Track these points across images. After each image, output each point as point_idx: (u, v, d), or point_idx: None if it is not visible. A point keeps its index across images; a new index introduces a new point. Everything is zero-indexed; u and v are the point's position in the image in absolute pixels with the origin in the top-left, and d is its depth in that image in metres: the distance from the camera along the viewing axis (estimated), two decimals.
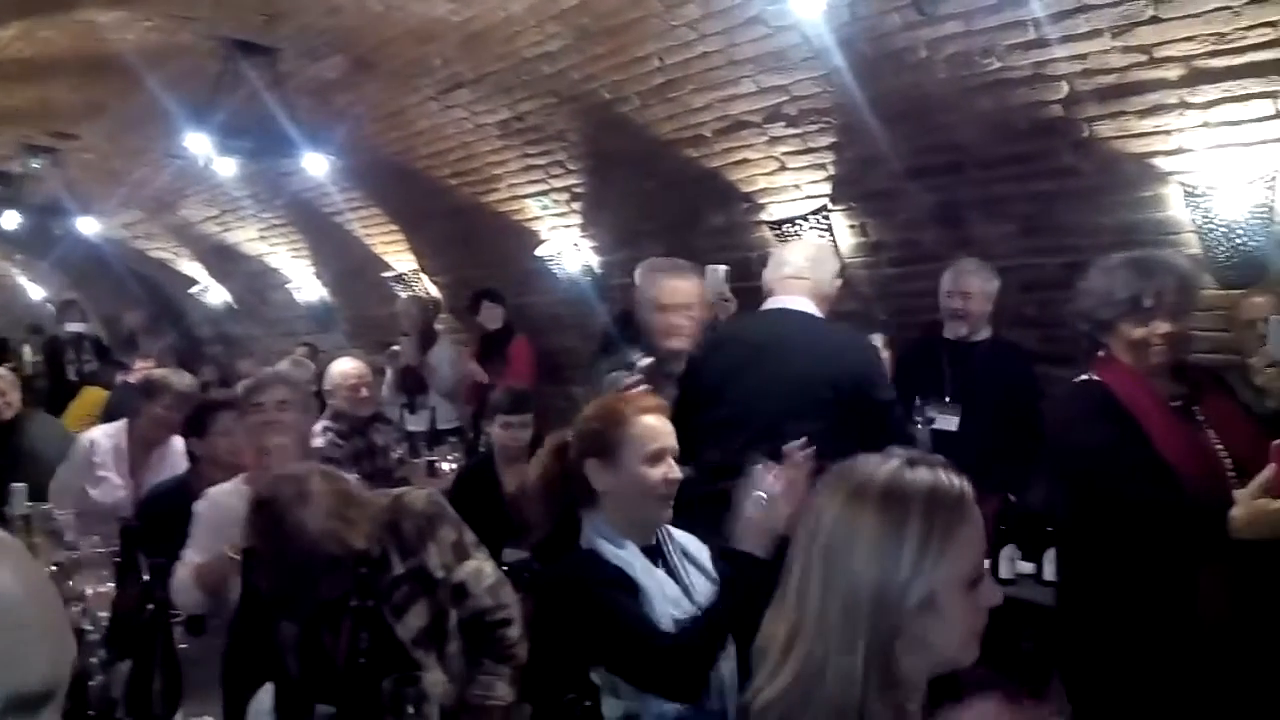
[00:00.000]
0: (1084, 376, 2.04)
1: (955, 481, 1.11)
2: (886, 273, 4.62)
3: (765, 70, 4.18)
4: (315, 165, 5.59)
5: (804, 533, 1.12)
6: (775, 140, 4.56)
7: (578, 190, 5.63)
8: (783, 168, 4.68)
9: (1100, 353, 2.00)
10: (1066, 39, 3.37)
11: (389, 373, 5.68)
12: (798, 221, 4.73)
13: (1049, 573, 2.91)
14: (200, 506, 2.54)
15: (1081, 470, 1.89)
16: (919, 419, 3.44)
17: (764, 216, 4.91)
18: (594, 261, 5.73)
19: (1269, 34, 3.05)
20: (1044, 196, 3.92)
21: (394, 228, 7.18)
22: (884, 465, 1.11)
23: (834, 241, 4.65)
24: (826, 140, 4.41)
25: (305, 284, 8.44)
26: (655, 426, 1.79)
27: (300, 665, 1.79)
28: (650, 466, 1.74)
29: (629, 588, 1.68)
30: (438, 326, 6.15)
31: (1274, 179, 3.32)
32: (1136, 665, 1.87)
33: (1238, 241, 3.42)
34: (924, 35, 3.66)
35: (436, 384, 5.59)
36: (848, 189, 4.54)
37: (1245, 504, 1.63)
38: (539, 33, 4.45)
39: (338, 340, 8.18)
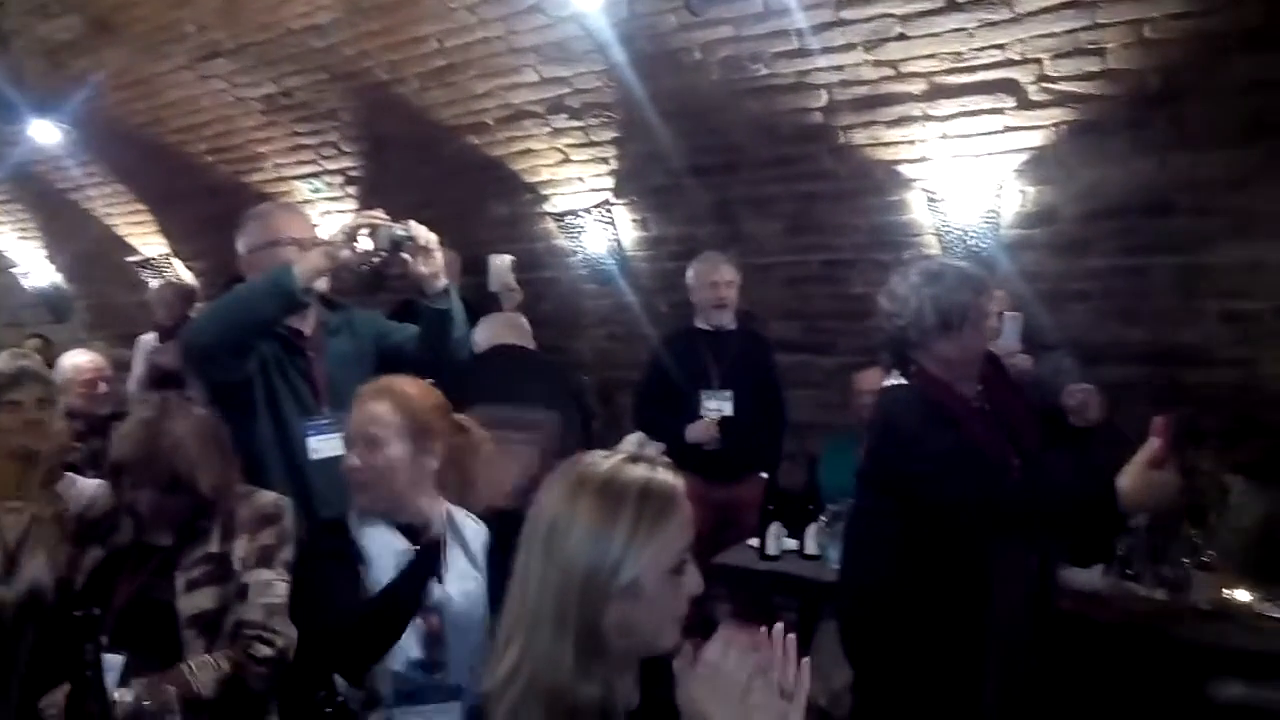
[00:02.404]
0: (897, 381, 2.12)
1: (668, 478, 1.20)
2: (667, 266, 4.74)
3: (547, 61, 4.16)
4: (45, 134, 4.97)
5: (530, 523, 1.19)
6: (558, 132, 4.55)
7: (353, 174, 5.37)
8: (566, 160, 4.68)
9: (911, 367, 2.08)
10: (825, 50, 3.59)
11: (136, 366, 5.16)
12: (581, 214, 4.75)
13: (810, 548, 3.10)
14: None
15: (925, 474, 1.95)
16: (704, 410, 3.58)
17: (548, 208, 4.90)
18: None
19: (998, 55, 3.39)
20: (806, 197, 4.16)
21: (141, 207, 6.53)
22: (606, 460, 1.20)
23: (616, 235, 4.72)
24: (609, 134, 4.46)
25: (35, 268, 7.50)
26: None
27: (87, 583, 1.87)
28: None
29: (347, 559, 1.68)
30: (193, 315, 5.66)
31: (1001, 188, 3.70)
32: (926, 644, 2.01)
33: (971, 243, 3.79)
34: (698, 37, 3.77)
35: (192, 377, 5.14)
36: (630, 184, 4.62)
37: (1133, 476, 1.72)
38: (306, 3, 4.19)
39: (74, 331, 7.34)
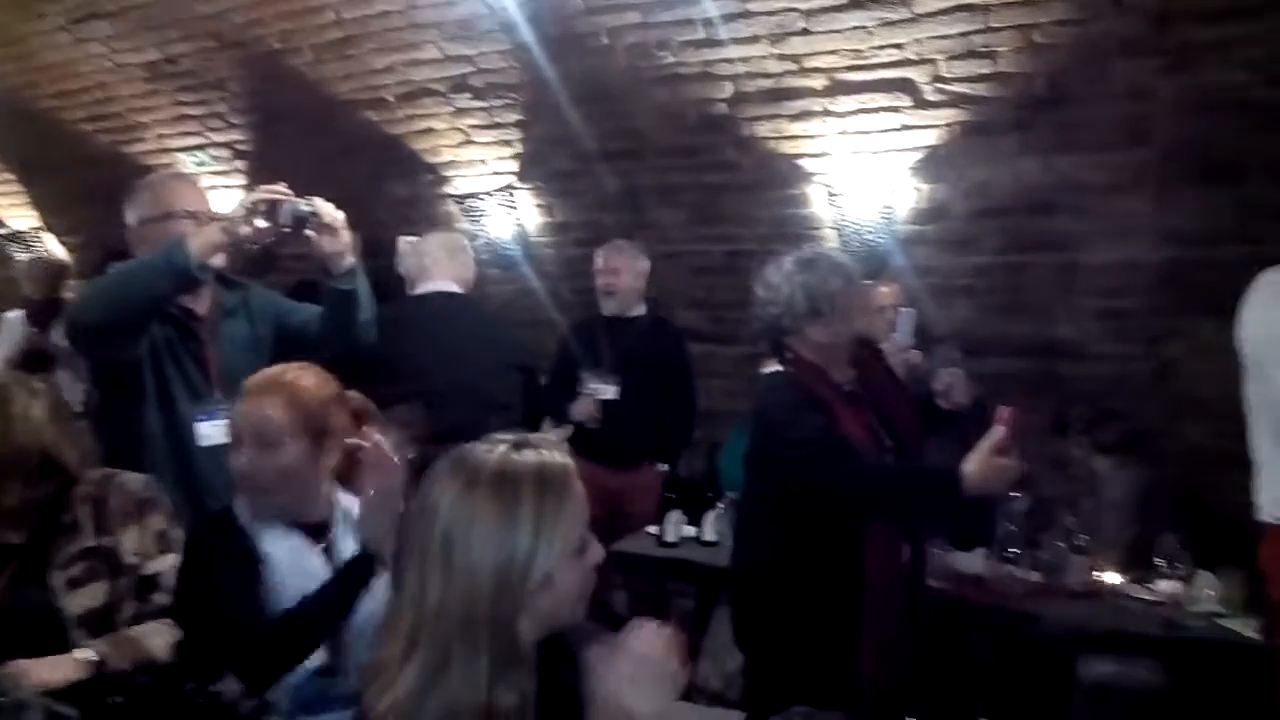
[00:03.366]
0: (774, 369, 2.19)
1: (559, 459, 1.15)
2: (571, 253, 4.71)
3: (450, 38, 4.08)
4: None
5: (420, 529, 1.12)
6: (461, 112, 4.47)
7: (242, 147, 5.15)
8: (469, 141, 4.60)
9: (787, 354, 2.16)
10: (731, 42, 3.62)
11: (2, 346, 4.84)
12: (483, 197, 4.68)
13: (708, 534, 3.15)
14: None
15: (792, 459, 2.03)
16: (583, 390, 3.57)
17: (450, 190, 4.81)
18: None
19: (896, 55, 3.49)
20: (711, 188, 4.20)
21: (9, 177, 6.12)
22: (493, 451, 1.14)
23: (520, 219, 4.67)
24: (514, 117, 4.40)
25: None
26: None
27: None
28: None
29: (242, 557, 1.58)
30: (66, 295, 5.33)
31: (897, 184, 3.81)
32: (808, 625, 2.08)
33: (867, 237, 3.90)
34: (605, 22, 3.76)
35: (63, 359, 4.85)
36: (535, 168, 4.57)
37: (977, 461, 1.83)
38: None
39: None
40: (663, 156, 4.22)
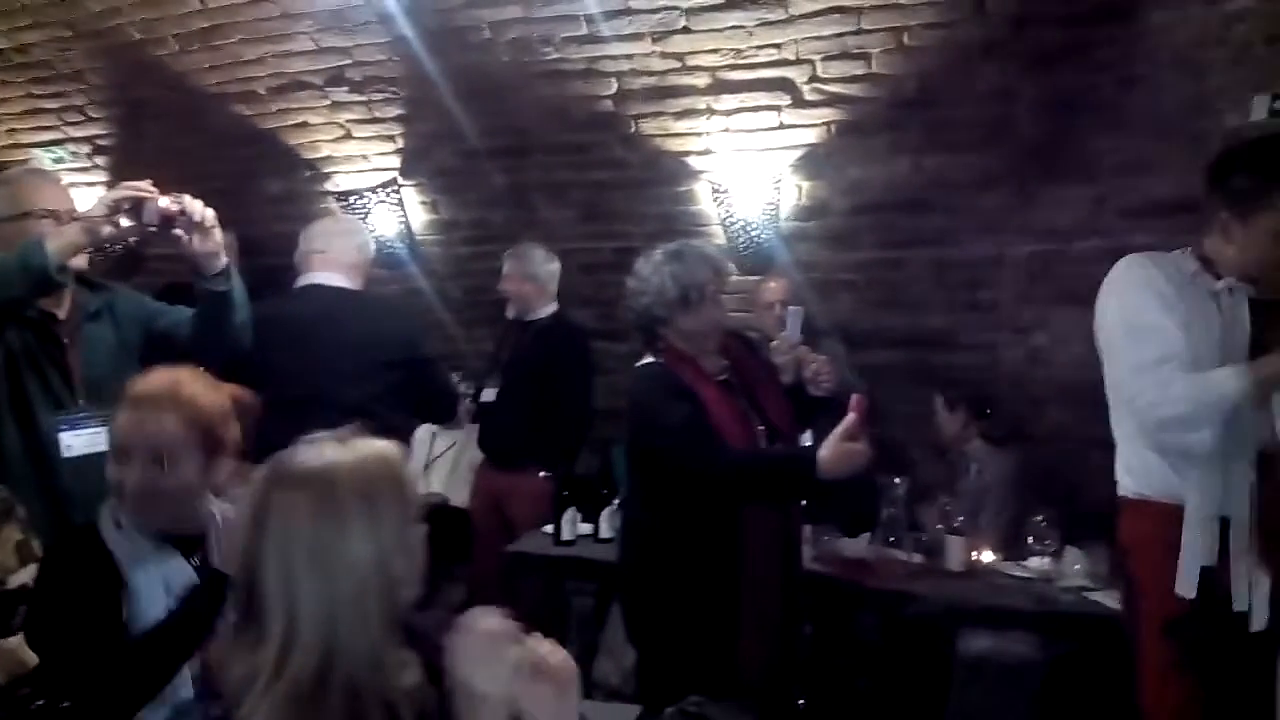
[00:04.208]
0: (648, 360, 2.22)
1: (384, 445, 1.18)
2: (459, 251, 4.64)
3: (324, 29, 3.94)
4: None
5: (271, 546, 1.10)
6: (339, 106, 4.33)
7: (102, 142, 4.85)
8: (348, 136, 4.46)
9: (659, 343, 2.21)
10: (615, 39, 3.63)
11: None
12: (366, 194, 4.55)
13: (605, 532, 3.15)
14: None
15: (661, 447, 2.09)
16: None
17: (329, 186, 4.65)
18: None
19: (774, 54, 3.56)
20: (599, 185, 4.20)
21: None
22: (326, 453, 1.14)
23: (405, 217, 4.56)
24: (395, 111, 4.29)
25: None
26: None
27: None
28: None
29: (104, 576, 1.48)
30: None
31: (779, 181, 3.89)
32: (692, 615, 2.10)
33: (753, 234, 3.97)
34: (486, 16, 3.70)
35: None
36: (418, 164, 4.46)
37: (831, 447, 1.92)
38: None
39: None
40: (550, 153, 4.20)
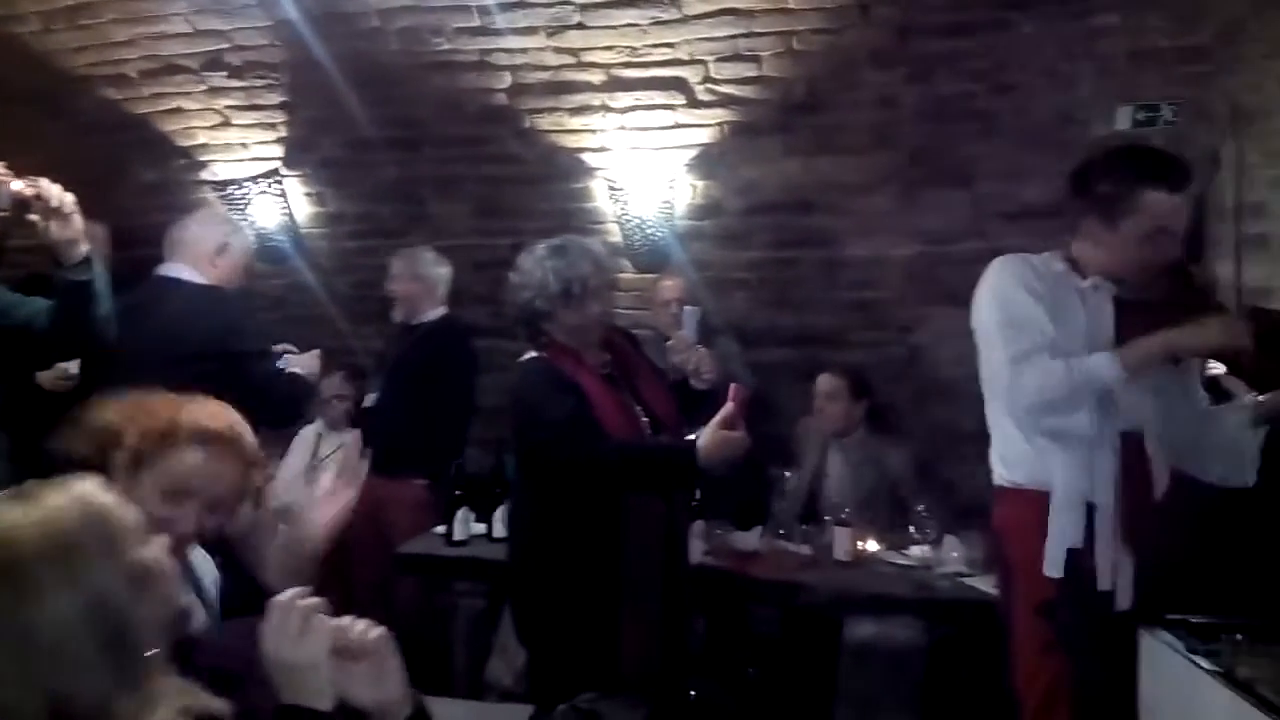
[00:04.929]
0: (530, 355, 2.20)
1: (84, 489, 1.07)
2: (347, 245, 4.49)
3: (201, 11, 3.76)
4: None
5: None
6: (217, 91, 4.14)
7: None
8: (227, 123, 4.27)
9: (542, 338, 2.20)
10: (509, 32, 3.59)
11: None
12: (245, 184, 4.36)
13: (498, 531, 3.10)
14: None
15: (545, 440, 2.08)
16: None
17: (206, 176, 4.44)
18: None
19: (669, 54, 3.59)
20: (493, 180, 4.14)
21: None
22: (3, 517, 1.02)
23: (289, 209, 4.40)
24: (276, 98, 4.13)
25: None
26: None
27: None
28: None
29: None
30: None
31: (674, 180, 3.92)
32: (578, 611, 2.08)
33: (648, 232, 3.99)
34: (374, 2, 3.61)
35: None
36: (302, 154, 4.31)
37: (709, 435, 1.95)
38: None
39: None
40: (442, 146, 4.12)
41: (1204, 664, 1.54)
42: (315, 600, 1.14)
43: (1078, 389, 1.81)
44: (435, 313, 3.63)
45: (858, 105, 3.61)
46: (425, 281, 3.60)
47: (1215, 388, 2.18)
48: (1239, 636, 1.60)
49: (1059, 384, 1.82)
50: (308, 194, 4.43)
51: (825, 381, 3.39)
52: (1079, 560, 1.89)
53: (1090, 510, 1.89)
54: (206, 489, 1.40)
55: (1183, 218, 1.89)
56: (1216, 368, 2.22)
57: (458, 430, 3.58)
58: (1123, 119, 3.26)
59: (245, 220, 4.39)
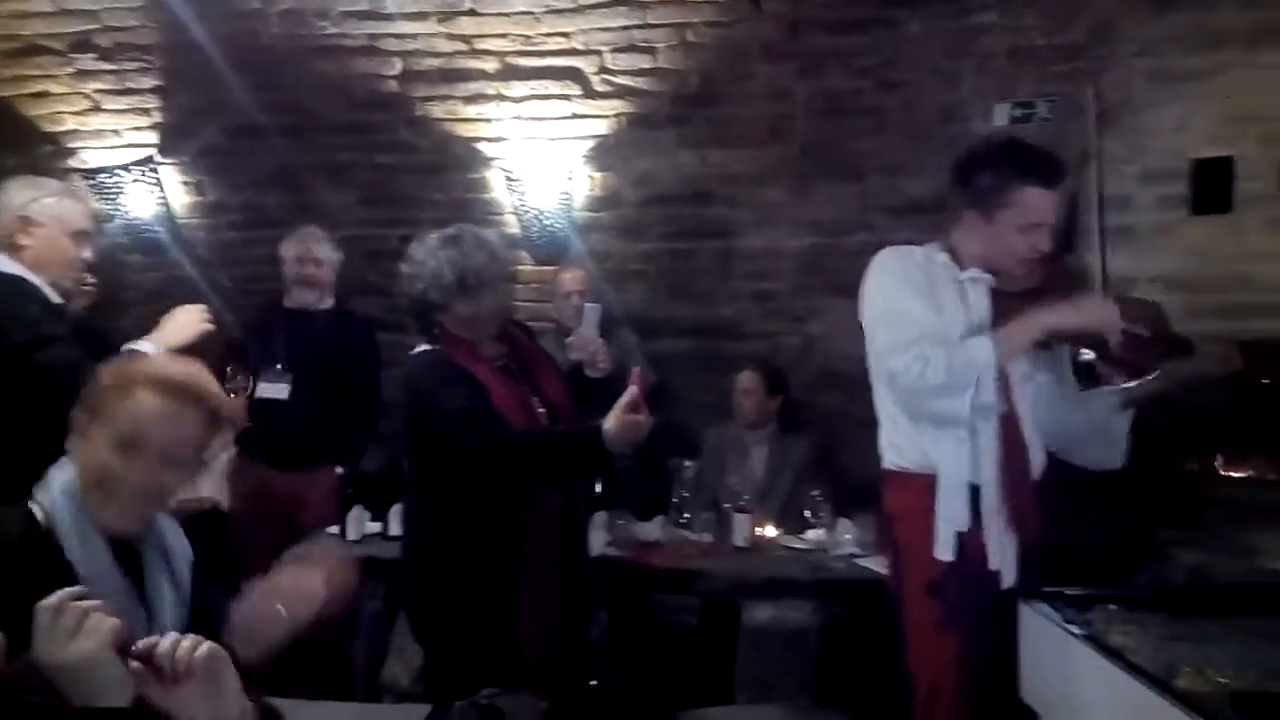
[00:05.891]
0: (425, 347, 2.15)
1: None
2: (228, 236, 4.31)
3: None
4: None
5: None
6: (85, 74, 3.91)
7: None
8: (96, 108, 4.05)
9: (435, 330, 2.15)
10: (398, 17, 3.50)
11: None
12: (118, 172, 4.13)
13: (394, 529, 3.03)
14: None
15: (443, 432, 2.02)
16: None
17: (74, 163, 4.19)
18: None
19: (563, 43, 3.56)
20: (384, 168, 4.03)
21: None
22: None
23: (165, 198, 4.18)
24: (150, 82, 3.93)
25: None
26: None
27: None
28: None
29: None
30: None
31: (572, 171, 3.90)
32: (474, 605, 2.05)
33: (546, 224, 3.95)
34: None
35: None
36: (180, 141, 4.12)
37: (614, 418, 1.92)
38: None
39: None
40: (329, 134, 3.99)
41: (1078, 632, 1.61)
42: (91, 602, 1.08)
43: (958, 374, 1.87)
44: (330, 299, 3.51)
45: (751, 98, 3.66)
46: (333, 265, 3.48)
47: (1086, 374, 2.29)
48: (1111, 607, 1.69)
49: (940, 370, 1.88)
50: (185, 183, 4.23)
51: (744, 378, 3.44)
52: (966, 540, 1.96)
53: (975, 492, 1.97)
54: (161, 438, 1.32)
55: (1056, 211, 1.98)
56: (1087, 354, 2.33)
57: (374, 416, 3.50)
58: (1001, 116, 3.39)
59: (118, 210, 4.17)
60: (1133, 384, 2.09)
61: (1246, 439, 3.09)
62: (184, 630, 1.20)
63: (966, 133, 3.45)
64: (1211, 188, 3.08)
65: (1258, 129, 2.98)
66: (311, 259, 3.43)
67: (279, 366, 3.32)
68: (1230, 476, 3.16)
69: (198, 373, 1.40)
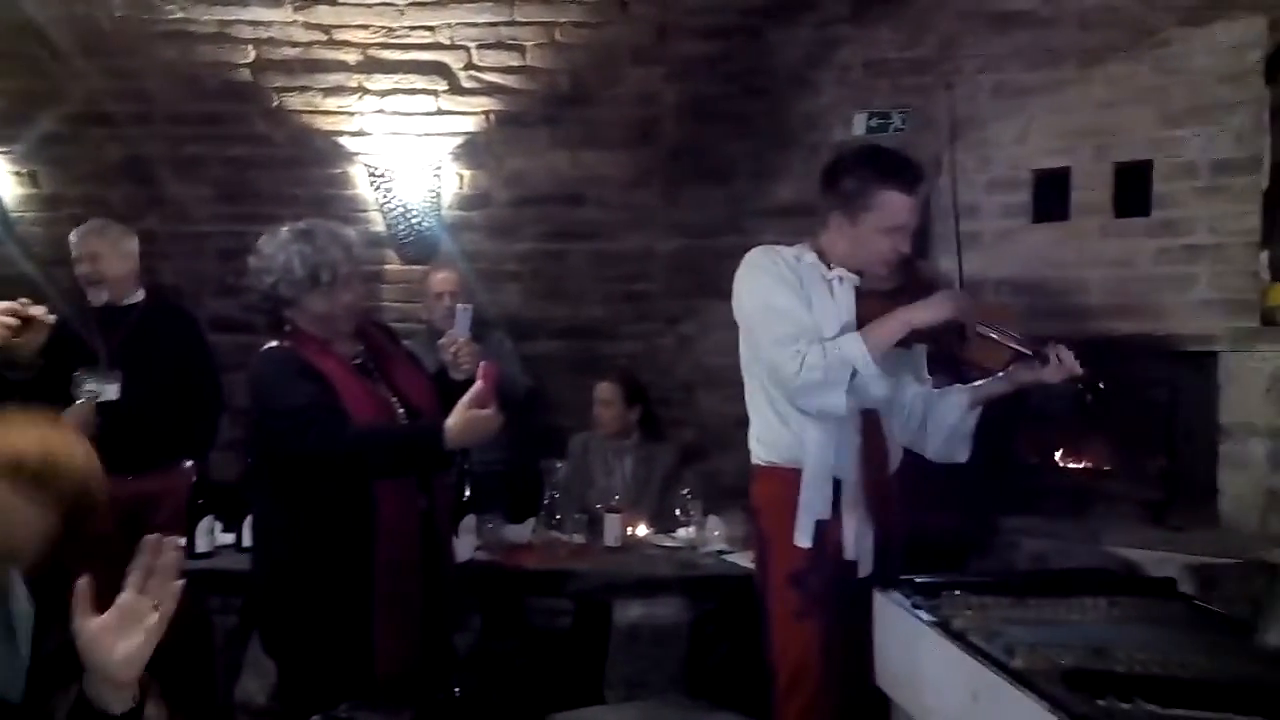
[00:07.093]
0: (273, 344, 2.05)
1: None
2: (67, 231, 3.99)
3: None
4: None
5: None
6: None
7: None
8: None
9: (286, 326, 2.06)
10: (252, 2, 3.34)
11: None
12: None
13: (248, 540, 2.88)
14: None
15: (284, 429, 1.94)
16: (79, 392, 3.04)
17: None
18: None
19: (428, 37, 3.48)
20: (238, 162, 3.84)
21: None
22: None
23: None
24: None
25: None
26: None
27: None
28: None
29: None
30: None
31: (440, 168, 3.81)
32: (327, 615, 1.97)
33: (414, 222, 3.85)
34: None
35: None
36: (10, 129, 3.81)
37: (458, 414, 1.87)
38: None
39: None
40: (177, 124, 3.77)
41: (925, 618, 1.68)
42: None
43: (834, 370, 1.93)
44: (140, 292, 3.29)
45: (620, 101, 3.67)
46: (132, 259, 3.26)
47: (939, 372, 2.40)
48: (956, 592, 1.76)
49: (817, 365, 1.93)
50: (17, 173, 3.93)
51: (603, 389, 3.42)
52: (827, 532, 2.02)
53: (837, 486, 2.03)
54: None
55: (914, 215, 2.07)
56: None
57: (214, 409, 3.34)
58: (859, 125, 3.52)
59: None
60: (981, 383, 2.19)
61: (1083, 433, 3.32)
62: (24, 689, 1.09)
63: (828, 140, 3.57)
64: (1050, 197, 3.29)
65: (1093, 142, 3.20)
66: (87, 255, 3.21)
67: (106, 368, 3.09)
68: (1069, 468, 3.39)
69: (56, 452, 1.24)
